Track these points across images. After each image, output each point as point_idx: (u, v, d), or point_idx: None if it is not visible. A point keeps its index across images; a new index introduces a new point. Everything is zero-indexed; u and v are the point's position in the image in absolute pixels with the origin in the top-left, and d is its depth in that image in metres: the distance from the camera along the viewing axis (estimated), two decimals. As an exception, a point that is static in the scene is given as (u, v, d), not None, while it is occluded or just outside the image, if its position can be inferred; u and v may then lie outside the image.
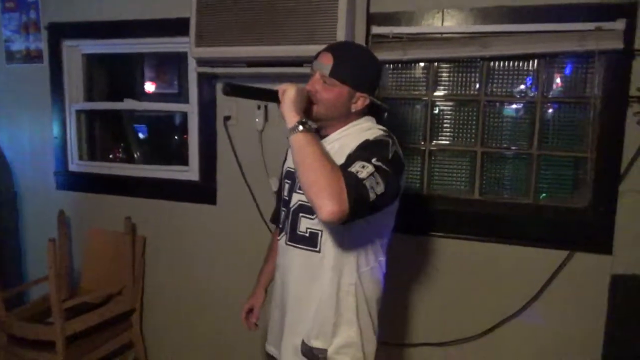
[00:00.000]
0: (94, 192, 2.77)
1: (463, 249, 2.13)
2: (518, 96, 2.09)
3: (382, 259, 1.41)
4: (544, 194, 2.10)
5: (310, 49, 1.92)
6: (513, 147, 2.12)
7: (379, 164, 1.16)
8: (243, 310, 1.70)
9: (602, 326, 1.97)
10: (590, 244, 1.97)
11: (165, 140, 3.57)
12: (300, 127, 1.17)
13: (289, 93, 1.22)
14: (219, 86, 2.40)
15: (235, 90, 1.26)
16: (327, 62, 1.30)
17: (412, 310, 2.23)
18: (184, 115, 2.59)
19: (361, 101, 1.34)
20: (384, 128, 1.36)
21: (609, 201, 1.93)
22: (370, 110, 1.41)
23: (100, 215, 2.74)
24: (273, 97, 1.26)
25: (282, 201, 1.49)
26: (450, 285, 2.16)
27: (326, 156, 1.15)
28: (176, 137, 3.54)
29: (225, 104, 2.40)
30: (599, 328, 1.97)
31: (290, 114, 1.20)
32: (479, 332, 2.12)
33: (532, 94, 2.06)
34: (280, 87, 1.25)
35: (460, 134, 2.17)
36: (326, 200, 1.06)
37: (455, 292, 2.16)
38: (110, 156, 3.09)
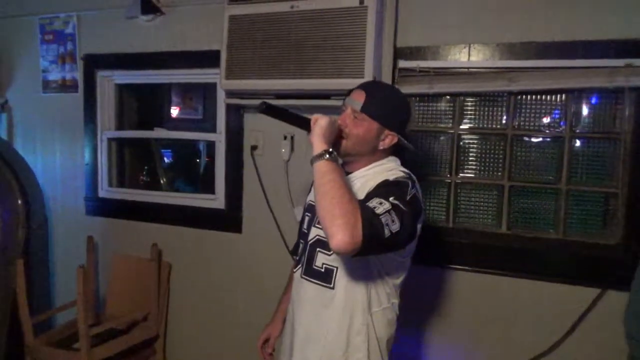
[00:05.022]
0: (121, 218, 2.82)
1: (489, 283, 2.10)
2: (546, 130, 2.08)
3: (396, 301, 1.40)
4: (573, 229, 2.07)
5: (338, 83, 1.97)
6: (541, 182, 2.10)
7: (397, 202, 1.17)
8: (259, 339, 1.70)
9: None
10: (623, 282, 1.91)
11: (189, 164, 3.64)
12: (327, 155, 1.19)
13: (320, 122, 1.25)
14: (247, 115, 2.45)
15: (271, 110, 1.29)
16: (359, 99, 1.34)
17: (432, 344, 2.19)
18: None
19: (389, 139, 1.36)
20: (406, 170, 1.37)
21: (641, 239, 1.90)
22: (396, 150, 1.42)
23: (127, 241, 2.79)
24: (305, 124, 1.30)
25: (300, 234, 1.50)
26: (474, 321, 2.12)
27: (346, 187, 1.16)
28: (197, 160, 3.62)
29: (252, 134, 2.45)
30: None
31: (318, 142, 1.23)
32: (506, 370, 2.07)
33: (560, 128, 2.05)
34: (313, 116, 1.29)
35: (487, 167, 2.16)
36: (340, 229, 1.07)
37: (480, 328, 2.12)
38: (141, 178, 3.15)
